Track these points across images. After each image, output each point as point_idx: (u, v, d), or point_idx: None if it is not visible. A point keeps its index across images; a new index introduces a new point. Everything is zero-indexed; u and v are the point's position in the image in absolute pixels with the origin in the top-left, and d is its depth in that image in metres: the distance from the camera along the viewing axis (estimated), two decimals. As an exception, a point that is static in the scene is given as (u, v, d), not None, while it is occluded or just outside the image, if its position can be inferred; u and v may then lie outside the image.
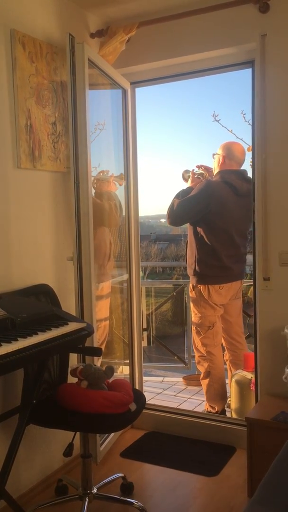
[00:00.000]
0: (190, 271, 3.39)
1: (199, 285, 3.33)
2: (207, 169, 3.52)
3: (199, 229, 3.31)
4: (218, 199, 3.24)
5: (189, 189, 3.43)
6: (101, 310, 3.14)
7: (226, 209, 3.25)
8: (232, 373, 3.35)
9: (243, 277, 3.50)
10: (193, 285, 3.38)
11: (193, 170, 3.54)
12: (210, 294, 3.30)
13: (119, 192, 3.24)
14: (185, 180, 3.55)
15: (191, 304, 3.47)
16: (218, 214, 3.24)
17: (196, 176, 3.50)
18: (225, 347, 3.52)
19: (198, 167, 3.55)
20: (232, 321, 3.44)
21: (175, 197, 3.40)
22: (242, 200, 3.24)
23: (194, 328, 3.44)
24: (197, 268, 3.32)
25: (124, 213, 3.22)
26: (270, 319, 2.72)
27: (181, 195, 3.39)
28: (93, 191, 2.88)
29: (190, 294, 3.46)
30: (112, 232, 3.27)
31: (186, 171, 3.56)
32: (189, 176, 3.53)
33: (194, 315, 3.42)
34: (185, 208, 3.30)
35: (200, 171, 3.52)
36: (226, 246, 3.28)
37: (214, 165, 3.43)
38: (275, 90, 2.64)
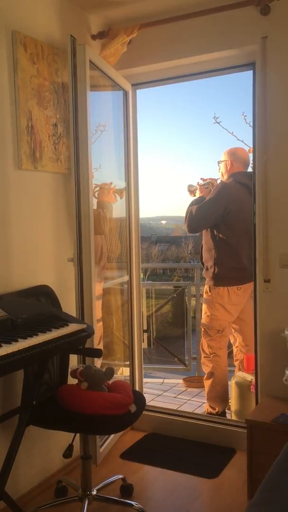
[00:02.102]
0: (207, 274, 3.40)
1: (217, 287, 3.34)
2: (212, 180, 3.55)
3: (217, 232, 3.32)
4: (235, 199, 3.28)
5: (201, 198, 3.45)
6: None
7: (243, 209, 3.26)
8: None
9: None
10: (209, 286, 3.38)
11: (198, 182, 3.57)
12: (230, 296, 3.32)
13: (119, 202, 3.24)
14: (191, 193, 3.56)
15: (204, 306, 3.47)
16: (236, 214, 3.27)
17: (204, 187, 3.52)
18: (238, 348, 3.52)
19: (203, 180, 3.58)
20: (247, 320, 3.43)
21: (190, 206, 3.41)
22: None
23: (203, 329, 3.45)
24: (216, 270, 3.33)
25: (113, 222, 3.23)
26: (270, 321, 2.72)
27: (195, 203, 3.42)
28: (95, 200, 2.90)
29: (205, 296, 3.46)
30: (104, 237, 3.27)
31: (191, 185, 3.58)
32: (195, 189, 3.55)
33: (205, 316, 3.43)
34: (205, 213, 3.31)
35: (207, 181, 3.55)
36: (246, 246, 3.28)
37: (222, 171, 3.46)
38: (276, 92, 2.65)
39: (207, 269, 3.40)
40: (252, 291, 3.39)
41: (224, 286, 3.32)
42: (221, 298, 3.33)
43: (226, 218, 3.28)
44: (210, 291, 3.39)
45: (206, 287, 3.45)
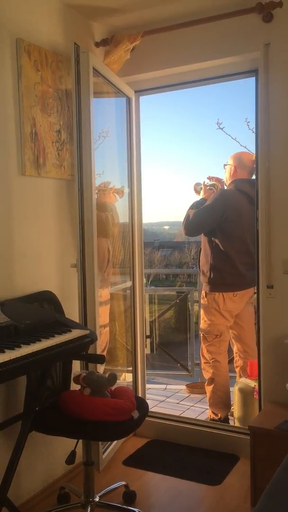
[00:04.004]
0: (204, 279, 3.41)
1: (212, 293, 3.34)
2: (218, 180, 3.56)
3: (213, 238, 3.33)
4: (233, 207, 3.29)
5: (202, 201, 3.47)
6: (101, 316, 3.14)
7: (241, 217, 3.28)
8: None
9: (255, 284, 3.51)
10: (206, 292, 3.39)
11: (204, 182, 3.58)
12: (225, 302, 3.31)
13: (121, 202, 3.25)
14: (197, 192, 3.59)
15: (202, 311, 3.48)
16: (233, 222, 3.28)
17: (208, 187, 3.54)
18: (237, 354, 3.51)
19: (209, 178, 3.59)
20: (245, 327, 3.44)
21: (189, 208, 3.44)
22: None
23: (202, 335, 3.45)
24: (211, 275, 3.33)
25: (120, 226, 3.24)
26: (274, 327, 2.72)
27: (195, 206, 3.44)
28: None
29: (202, 301, 3.47)
30: (111, 241, 3.28)
31: (197, 184, 3.60)
32: (201, 188, 3.57)
33: (203, 322, 3.43)
34: (201, 218, 3.34)
35: (212, 182, 3.56)
36: (241, 253, 3.30)
37: (226, 175, 3.48)
38: (278, 99, 2.66)
39: (203, 273, 3.41)
40: (250, 298, 3.40)
41: (220, 291, 3.33)
42: (216, 304, 3.34)
43: (222, 225, 3.29)
44: (206, 297, 3.39)
45: (202, 293, 3.46)
